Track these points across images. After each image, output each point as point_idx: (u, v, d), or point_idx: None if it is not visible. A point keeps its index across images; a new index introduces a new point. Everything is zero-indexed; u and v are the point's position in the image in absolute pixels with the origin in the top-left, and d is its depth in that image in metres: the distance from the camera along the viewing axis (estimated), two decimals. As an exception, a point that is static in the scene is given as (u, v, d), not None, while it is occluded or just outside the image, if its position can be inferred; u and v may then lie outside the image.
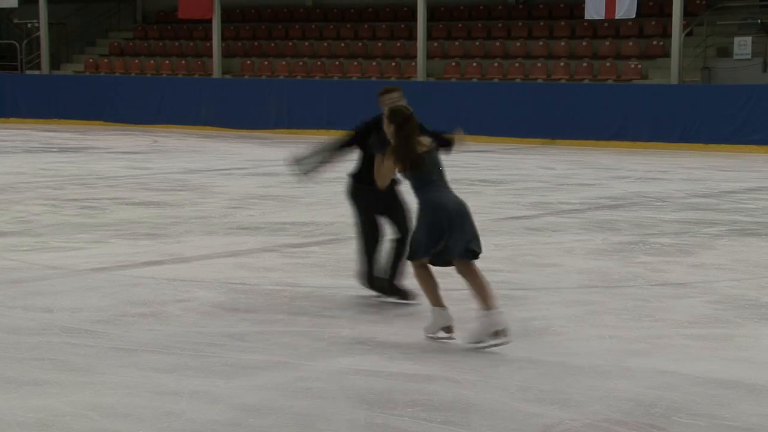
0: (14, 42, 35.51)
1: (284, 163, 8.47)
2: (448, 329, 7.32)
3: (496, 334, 7.04)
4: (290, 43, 32.11)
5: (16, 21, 37.48)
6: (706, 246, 11.35)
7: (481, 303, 7.11)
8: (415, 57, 28.04)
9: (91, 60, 33.88)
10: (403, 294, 8.39)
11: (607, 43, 27.71)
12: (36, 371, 6.51)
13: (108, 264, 9.94)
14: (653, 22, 27.63)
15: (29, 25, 36.31)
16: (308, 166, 8.36)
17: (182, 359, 6.80)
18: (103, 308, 8.16)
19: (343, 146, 8.35)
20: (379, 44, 30.79)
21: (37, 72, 33.79)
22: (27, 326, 7.63)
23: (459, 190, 7.62)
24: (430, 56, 28.29)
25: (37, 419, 5.63)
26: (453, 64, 28.70)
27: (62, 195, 15.07)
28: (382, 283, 8.44)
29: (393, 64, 29.47)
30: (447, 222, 7.10)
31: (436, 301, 7.31)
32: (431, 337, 7.32)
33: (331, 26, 32.40)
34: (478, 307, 7.12)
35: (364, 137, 8.09)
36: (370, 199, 8.24)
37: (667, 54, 25.85)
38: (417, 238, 7.20)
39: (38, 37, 33.47)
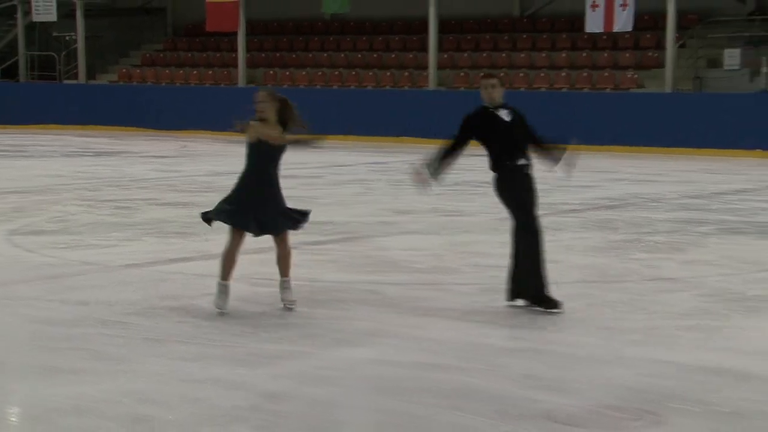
0: (53, 54, 35.59)
1: (410, 170, 8.36)
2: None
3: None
4: (310, 55, 32.10)
5: (55, 34, 37.54)
6: (697, 243, 11.31)
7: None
8: (427, 67, 28.02)
9: (124, 70, 33.93)
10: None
11: (606, 54, 27.64)
12: (73, 360, 6.53)
13: (140, 260, 9.96)
14: (648, 35, 27.54)
15: (67, 38, 36.35)
16: (435, 168, 8.15)
17: (208, 349, 6.81)
18: (135, 301, 8.18)
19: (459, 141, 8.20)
20: (393, 55, 30.76)
21: (74, 82, 33.84)
22: (64, 318, 7.65)
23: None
24: (440, 67, 28.25)
25: (74, 405, 5.65)
26: (462, 74, 28.66)
27: (98, 196, 15.10)
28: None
29: (406, 74, 29.44)
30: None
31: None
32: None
33: (348, 39, 32.37)
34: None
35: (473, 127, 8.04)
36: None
37: (661, 65, 25.76)
38: None
39: (76, 49, 33.53)
